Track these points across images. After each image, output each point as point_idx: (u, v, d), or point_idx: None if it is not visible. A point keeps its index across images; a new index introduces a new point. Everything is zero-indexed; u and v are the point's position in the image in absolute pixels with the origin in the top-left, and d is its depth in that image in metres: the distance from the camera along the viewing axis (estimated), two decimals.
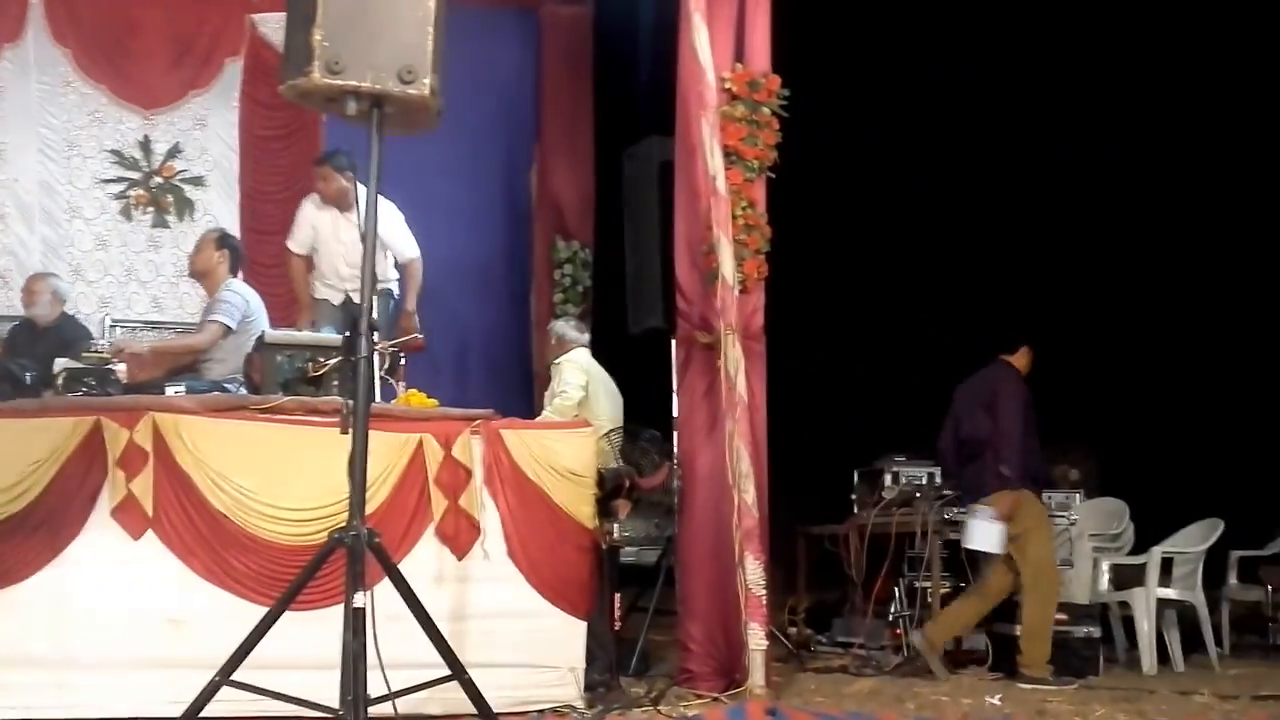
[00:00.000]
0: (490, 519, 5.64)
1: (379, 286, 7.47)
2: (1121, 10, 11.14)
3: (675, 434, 6.69)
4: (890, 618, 8.11)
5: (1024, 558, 7.16)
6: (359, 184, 7.44)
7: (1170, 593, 7.89)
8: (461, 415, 5.78)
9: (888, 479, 8.50)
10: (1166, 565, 7.95)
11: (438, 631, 3.99)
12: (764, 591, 6.07)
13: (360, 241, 4.18)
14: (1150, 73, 11.68)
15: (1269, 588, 8.54)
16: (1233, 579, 8.73)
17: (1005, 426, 7.19)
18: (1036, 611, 7.09)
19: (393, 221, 7.57)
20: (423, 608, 3.99)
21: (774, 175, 6.55)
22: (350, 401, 4.03)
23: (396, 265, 7.84)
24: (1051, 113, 13.15)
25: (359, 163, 7.47)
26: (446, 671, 4.09)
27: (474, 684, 4.07)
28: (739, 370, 6.21)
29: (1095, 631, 7.52)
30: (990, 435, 7.25)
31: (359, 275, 7.26)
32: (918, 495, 8.02)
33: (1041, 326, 13.53)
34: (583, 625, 5.76)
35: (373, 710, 3.81)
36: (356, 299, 7.41)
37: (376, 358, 6.17)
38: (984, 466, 7.29)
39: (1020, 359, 7.55)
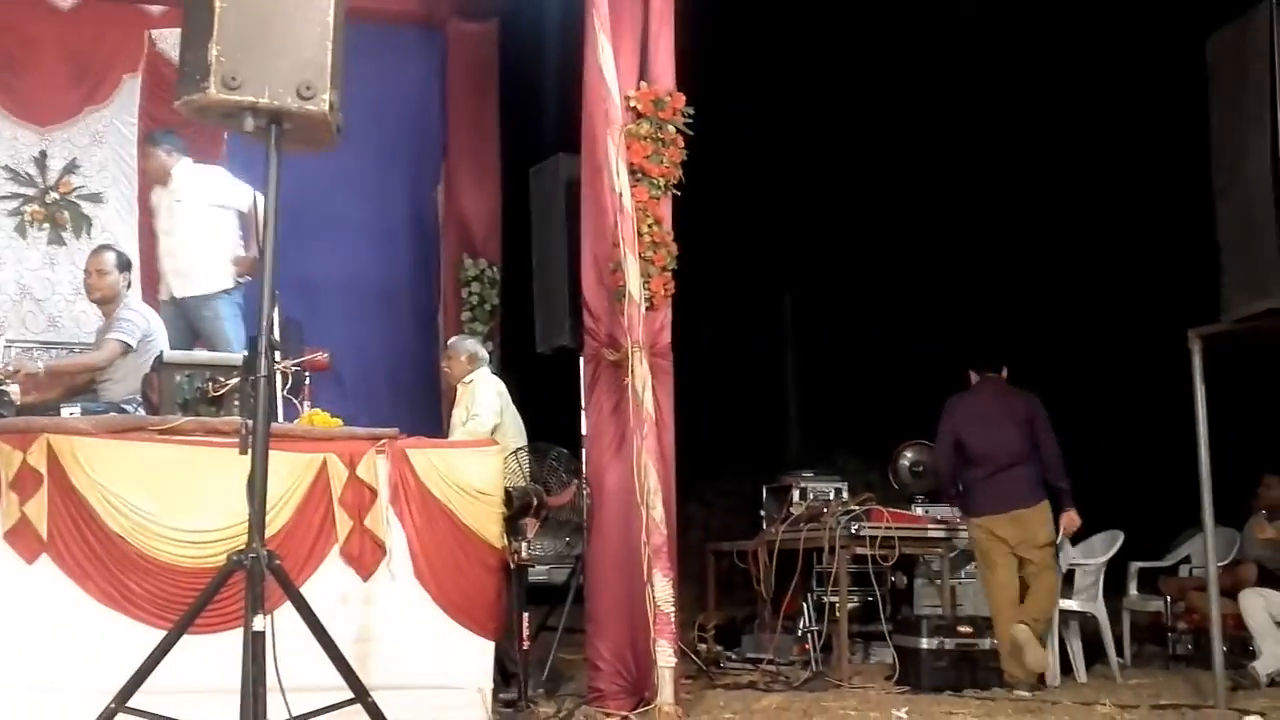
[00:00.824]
0: (396, 539, 5.59)
1: (214, 290, 7.35)
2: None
3: (584, 452, 6.68)
4: (799, 633, 8.17)
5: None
6: (181, 156, 7.47)
7: (1073, 604, 8.03)
8: (366, 434, 5.73)
9: (796, 495, 8.57)
10: (1069, 577, 8.08)
11: (340, 654, 3.94)
12: (673, 608, 6.07)
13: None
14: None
15: (1168, 598, 8.70)
16: (1133, 590, 8.90)
17: (1054, 442, 7.58)
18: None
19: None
20: (324, 630, 3.93)
21: (680, 192, 6.59)
22: (249, 421, 3.97)
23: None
24: (963, 127, 13.37)
25: (183, 144, 7.54)
26: (350, 695, 4.03)
27: (377, 707, 4.03)
28: (646, 387, 6.23)
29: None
30: (1028, 450, 7.54)
31: (178, 272, 7.30)
32: (825, 510, 8.08)
33: (948, 343, 13.80)
34: (491, 645, 5.74)
35: None
36: (178, 295, 7.39)
37: (278, 377, 6.13)
38: (1021, 477, 7.51)
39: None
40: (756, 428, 16.15)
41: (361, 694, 3.99)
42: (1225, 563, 8.28)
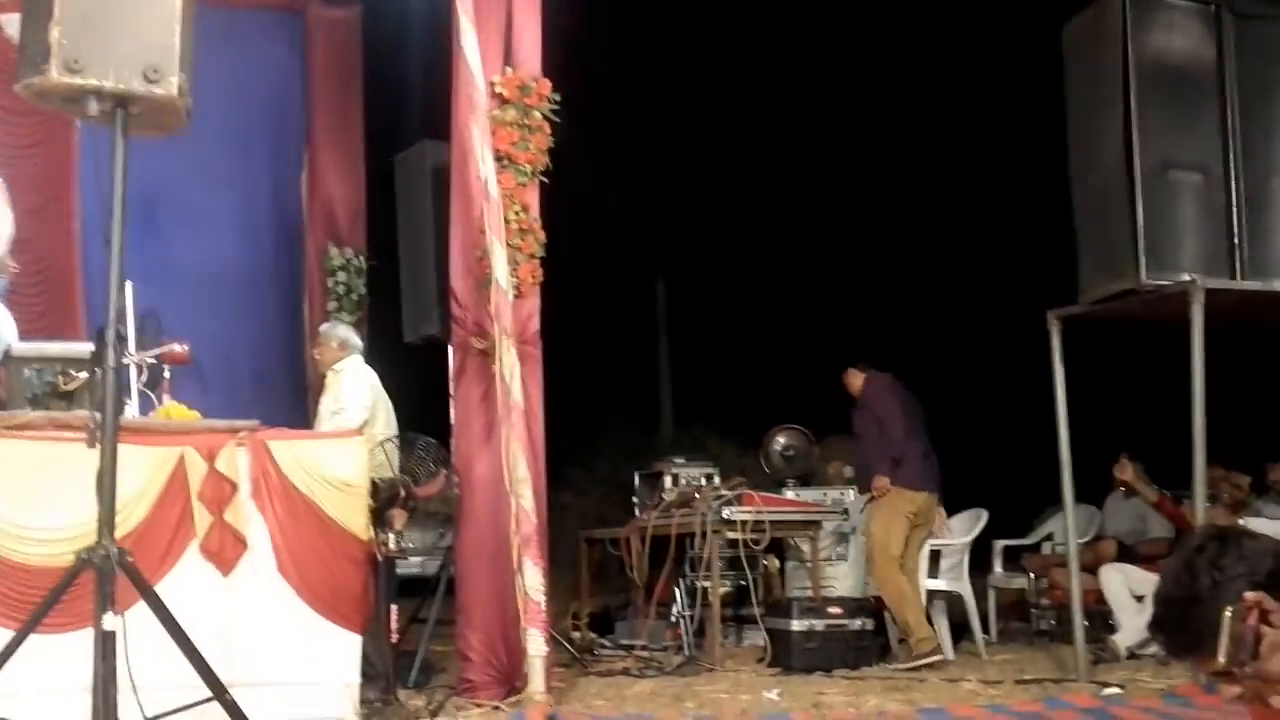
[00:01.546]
0: (258, 533, 5.47)
1: None
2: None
3: (452, 441, 6.62)
4: (672, 618, 8.20)
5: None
6: None
7: (939, 583, 8.16)
8: (225, 427, 5.59)
9: (668, 481, 8.59)
10: (935, 556, 8.23)
11: (195, 650, 3.83)
12: (543, 597, 6.05)
13: None
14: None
15: (1031, 575, 8.90)
16: (998, 568, 9.08)
17: None
18: None
19: None
20: (179, 627, 3.83)
21: (548, 179, 6.55)
22: (98, 415, 3.84)
23: None
24: (829, 116, 13.51)
25: None
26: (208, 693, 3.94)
27: (236, 704, 3.93)
28: (514, 376, 6.19)
29: (869, 624, 7.71)
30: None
31: None
32: (697, 496, 8.11)
33: (807, 326, 13.96)
34: (357, 639, 5.62)
35: None
36: None
37: (134, 370, 5.98)
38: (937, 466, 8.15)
39: None
40: (631, 415, 16.18)
41: (219, 691, 3.89)
42: (1086, 539, 8.50)
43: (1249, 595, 2.08)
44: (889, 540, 7.81)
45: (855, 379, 8.26)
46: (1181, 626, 2.25)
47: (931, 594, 8.08)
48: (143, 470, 5.21)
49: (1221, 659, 2.06)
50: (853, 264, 14.24)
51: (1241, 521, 7.09)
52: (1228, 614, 2.05)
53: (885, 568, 7.77)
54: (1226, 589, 2.18)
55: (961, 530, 8.43)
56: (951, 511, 8.36)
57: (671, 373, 18.11)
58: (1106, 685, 6.36)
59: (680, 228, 15.81)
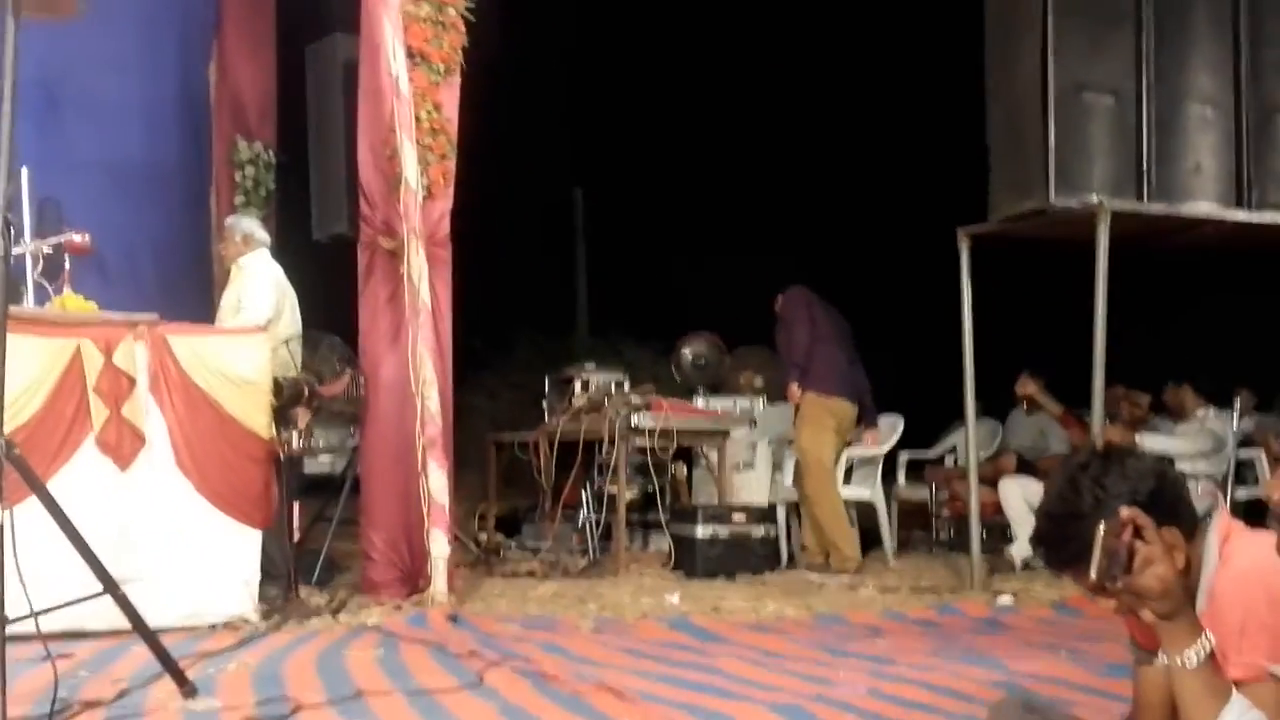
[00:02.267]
0: (156, 428, 5.41)
1: None
2: None
3: (359, 341, 6.55)
4: (578, 522, 8.23)
5: None
6: None
7: (852, 491, 8.23)
8: (123, 320, 5.49)
9: (578, 386, 8.57)
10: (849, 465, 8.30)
11: (85, 544, 3.78)
12: (447, 499, 6.07)
13: None
14: None
15: (933, 487, 9.04)
16: (902, 479, 9.21)
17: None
18: None
19: None
20: (69, 521, 3.77)
21: (462, 78, 6.43)
22: None
23: None
24: (746, 25, 13.40)
25: None
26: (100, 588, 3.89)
27: (127, 599, 3.90)
28: (423, 277, 6.14)
29: (772, 531, 7.81)
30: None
31: None
32: (606, 402, 8.10)
33: (723, 236, 13.96)
34: (258, 536, 5.62)
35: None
36: None
37: (29, 259, 5.83)
38: (861, 377, 8.22)
39: None
40: (547, 321, 16.13)
41: (110, 586, 3.86)
42: (988, 454, 8.65)
43: (1123, 511, 2.12)
44: (821, 452, 7.85)
45: (777, 302, 8.27)
46: (1063, 542, 2.29)
47: (845, 502, 8.15)
48: (37, 362, 5.11)
49: (1093, 574, 2.09)
50: (769, 175, 14.22)
51: (1138, 438, 7.25)
52: (1101, 529, 2.08)
53: (821, 480, 7.81)
54: (1108, 506, 2.21)
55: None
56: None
57: (588, 279, 18.04)
58: (1000, 594, 6.50)
59: (599, 136, 15.68)
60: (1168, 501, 2.31)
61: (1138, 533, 2.09)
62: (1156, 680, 2.26)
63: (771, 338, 8.46)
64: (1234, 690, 2.09)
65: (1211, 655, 2.08)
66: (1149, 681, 2.34)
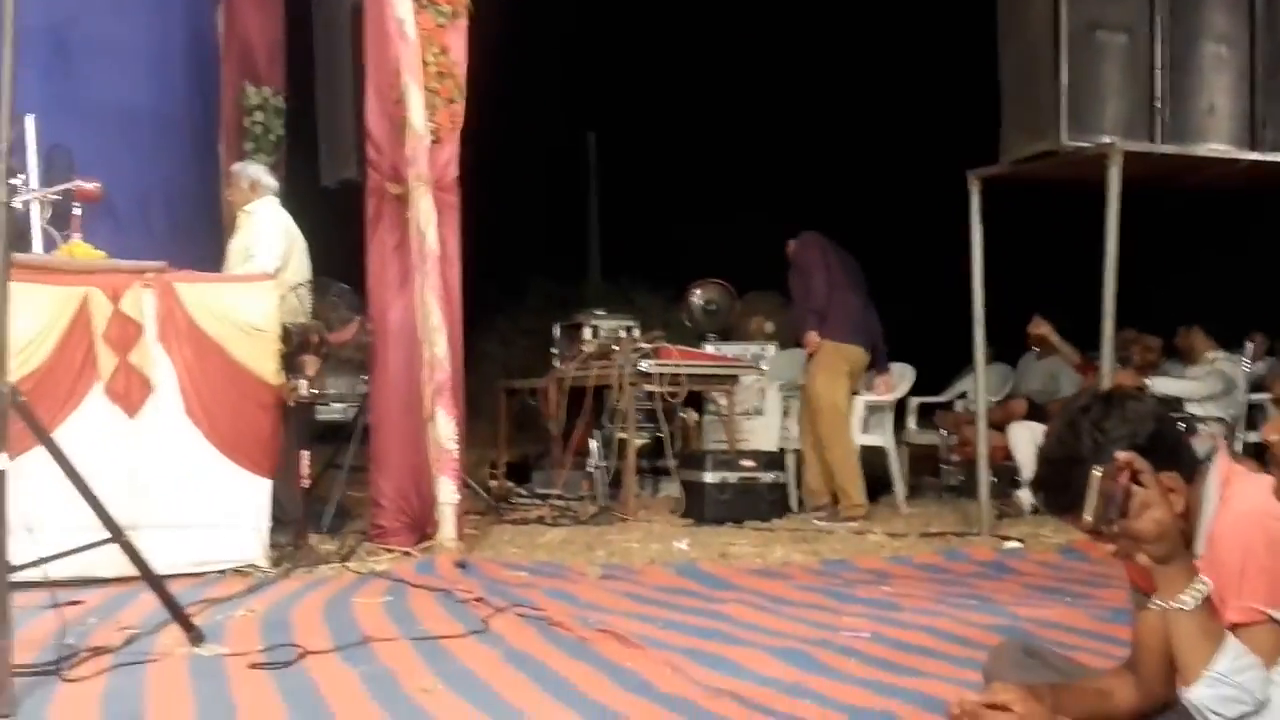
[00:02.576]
0: (165, 376, 5.42)
1: None
2: None
3: (368, 288, 6.53)
4: (589, 468, 8.24)
5: None
6: None
7: (866, 439, 8.21)
8: (132, 268, 5.49)
9: (587, 333, 8.56)
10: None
11: (90, 492, 3.79)
12: (455, 446, 6.05)
13: None
14: None
15: (944, 432, 9.02)
16: (912, 424, 9.19)
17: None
18: None
19: None
20: (73, 468, 3.77)
21: (472, 21, 6.36)
22: None
23: None
24: None
25: None
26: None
27: (133, 545, 3.91)
28: (430, 223, 6.11)
29: (781, 478, 7.80)
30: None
31: None
32: (615, 348, 8.09)
33: (735, 182, 13.90)
34: (267, 483, 5.63)
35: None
36: None
37: (36, 206, 5.82)
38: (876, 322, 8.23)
39: None
40: (559, 267, 16.13)
41: (116, 533, 3.87)
42: (999, 398, 8.62)
43: (1120, 455, 2.10)
44: (836, 397, 7.84)
45: (790, 246, 8.22)
46: (1063, 486, 2.27)
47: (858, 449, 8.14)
48: (44, 310, 5.13)
49: (1088, 516, 2.08)
50: (781, 120, 14.14)
51: (1148, 382, 7.21)
52: (1097, 473, 2.06)
53: (836, 425, 7.81)
54: (1107, 450, 2.20)
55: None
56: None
57: (601, 225, 18.00)
58: (1008, 539, 6.50)
59: (612, 81, 15.60)
60: (1168, 445, 2.29)
61: (1135, 477, 2.07)
62: (1155, 624, 2.25)
63: (783, 283, 8.41)
64: (1229, 634, 2.07)
65: (1207, 599, 2.07)
66: (1147, 626, 2.33)
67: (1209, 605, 2.09)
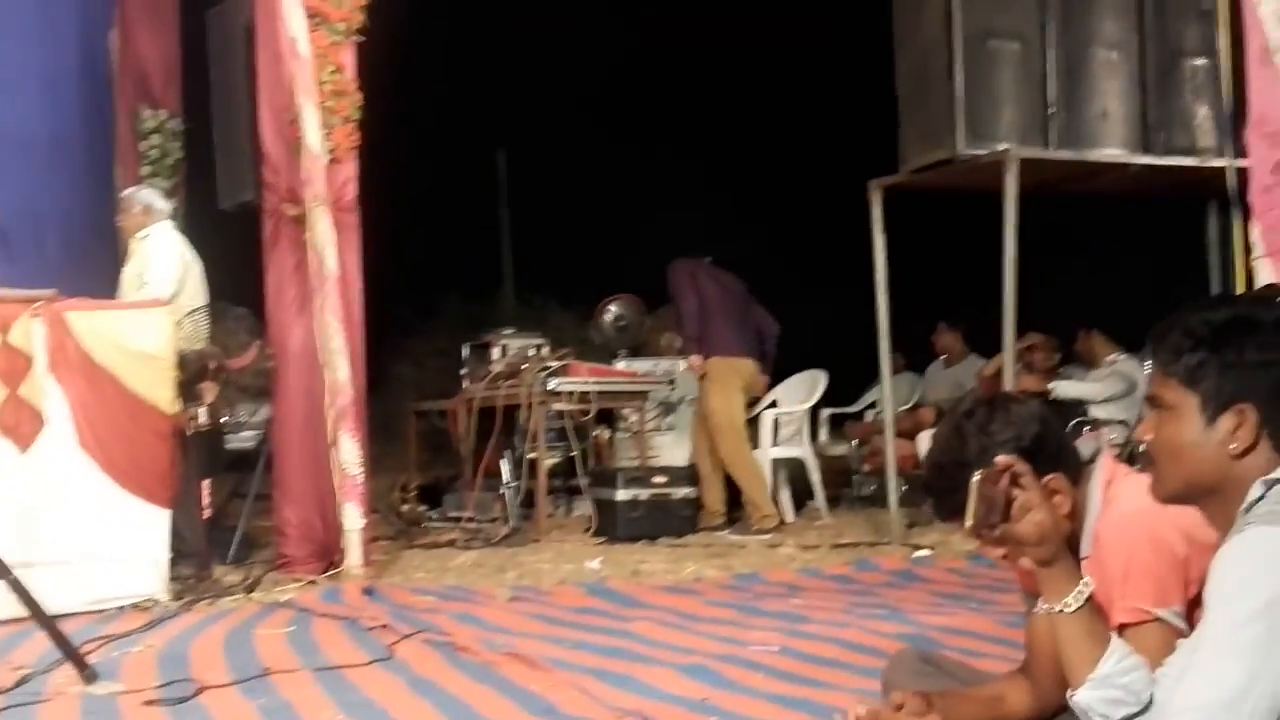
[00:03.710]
0: (57, 407, 5.30)
1: None
2: None
3: (267, 312, 6.44)
4: (500, 490, 8.17)
5: None
6: None
7: (781, 450, 8.23)
8: (20, 297, 5.36)
9: (496, 352, 8.51)
10: (774, 423, 8.31)
11: None
12: (360, 471, 5.98)
13: None
14: None
15: (854, 442, 9.07)
16: (824, 435, 9.23)
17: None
18: None
19: None
20: None
21: (365, 38, 6.31)
22: None
23: None
24: None
25: None
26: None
27: (20, 583, 3.82)
28: (328, 244, 6.03)
29: (692, 493, 7.78)
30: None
31: None
32: (524, 367, 8.04)
33: (645, 197, 13.93)
34: (165, 515, 5.52)
35: None
36: None
37: None
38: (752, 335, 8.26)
39: None
40: (472, 287, 16.04)
41: (3, 570, 3.76)
42: (907, 406, 8.69)
43: (999, 459, 2.10)
44: (733, 412, 7.87)
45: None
46: (950, 490, 2.28)
47: (774, 462, 8.15)
48: None
49: (969, 521, 2.08)
50: (689, 133, 14.20)
51: (1050, 385, 7.31)
52: (976, 477, 2.06)
53: (734, 442, 7.82)
54: (992, 453, 2.21)
55: (799, 395, 8.48)
56: (787, 375, 8.46)
57: (513, 243, 17.96)
58: (918, 548, 6.53)
59: (521, 98, 15.57)
60: (1052, 447, 2.31)
61: (1015, 480, 2.08)
62: (1044, 628, 2.26)
63: None
64: (1114, 636, 2.08)
65: (1091, 600, 2.08)
66: (1037, 629, 2.35)
67: (1094, 607, 2.09)
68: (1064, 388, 7.37)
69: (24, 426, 5.22)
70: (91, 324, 5.39)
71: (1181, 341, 1.89)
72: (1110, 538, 2.25)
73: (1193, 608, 2.14)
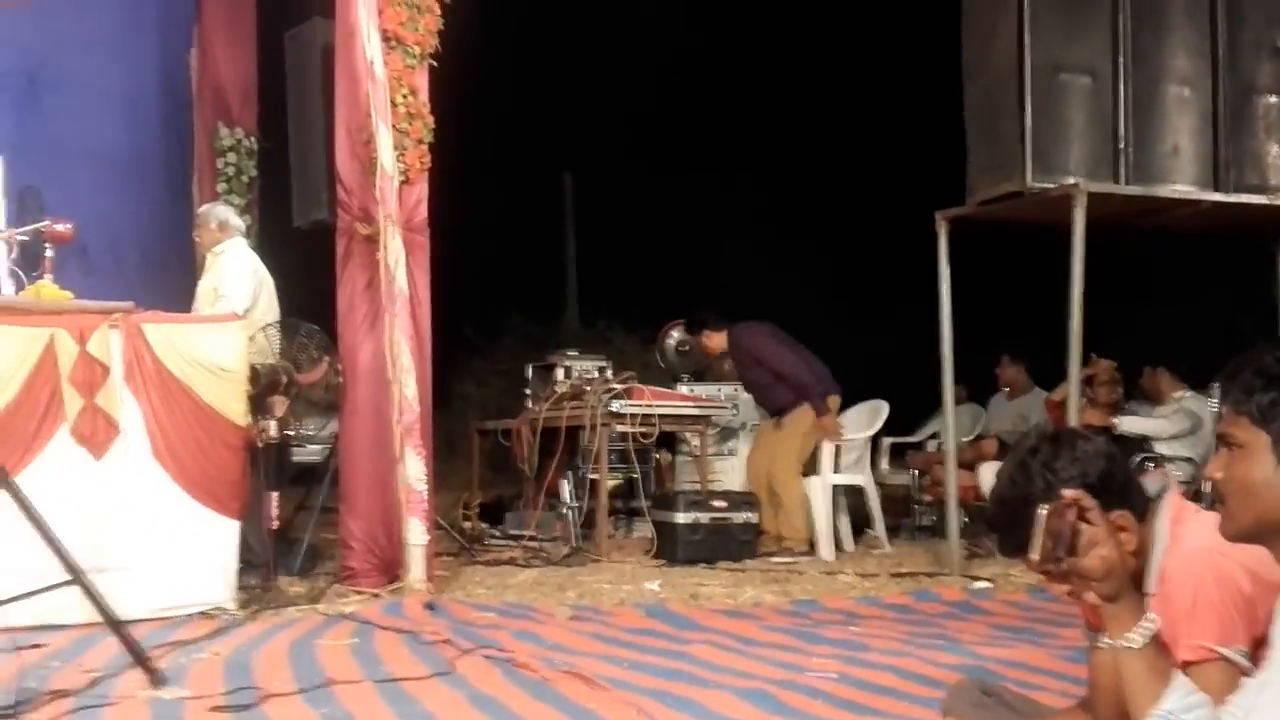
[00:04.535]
0: (131, 417, 5.37)
1: None
2: None
3: (338, 329, 6.52)
4: (562, 509, 8.21)
5: None
6: None
7: (843, 478, 8.19)
8: (98, 309, 5.45)
9: (560, 373, 8.56)
10: (837, 451, 8.27)
11: (50, 534, 3.76)
12: (424, 486, 6.04)
13: None
14: None
15: (915, 472, 9.02)
16: (885, 464, 9.19)
17: None
18: None
19: None
20: (32, 510, 3.75)
21: (437, 62, 6.40)
22: None
23: None
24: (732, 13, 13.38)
25: None
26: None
27: (92, 588, 3.89)
28: (399, 263, 6.11)
29: (753, 518, 7.76)
30: None
31: None
32: (588, 389, 8.09)
33: (710, 222, 13.95)
34: (235, 525, 5.59)
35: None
36: None
37: (3, 246, 5.80)
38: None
39: None
40: (537, 308, 16.15)
41: (75, 575, 3.84)
42: (969, 438, 8.64)
43: (1066, 492, 2.10)
44: (803, 449, 7.94)
45: (714, 339, 8.26)
46: (1014, 526, 2.27)
47: (835, 489, 8.11)
48: (10, 351, 5.09)
49: (1034, 555, 2.07)
50: (756, 161, 14.23)
51: (1116, 421, 7.24)
52: (1043, 511, 2.06)
53: (792, 470, 7.88)
54: (1057, 489, 2.19)
55: (861, 423, 8.44)
56: (849, 405, 8.43)
57: (578, 266, 18.07)
58: (977, 580, 6.49)
59: (589, 121, 15.67)
60: (1118, 483, 2.29)
61: (1082, 514, 2.07)
62: (1107, 663, 2.23)
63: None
64: (1178, 672, 2.07)
65: (1156, 637, 2.07)
66: (1100, 664, 2.33)
67: (1158, 643, 2.08)
68: (1130, 423, 7.30)
69: (99, 435, 5.30)
70: (167, 336, 5.48)
71: (1254, 380, 1.88)
72: (1176, 574, 2.23)
73: (1258, 647, 2.12)
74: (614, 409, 7.81)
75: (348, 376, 6.31)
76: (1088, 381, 7.26)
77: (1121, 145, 6.24)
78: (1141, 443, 7.27)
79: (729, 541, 7.57)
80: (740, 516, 7.65)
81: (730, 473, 8.55)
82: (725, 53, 13.92)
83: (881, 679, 3.95)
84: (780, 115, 13.78)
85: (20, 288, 5.77)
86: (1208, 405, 7.73)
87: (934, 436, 9.29)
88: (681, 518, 7.52)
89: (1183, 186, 6.39)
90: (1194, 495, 6.57)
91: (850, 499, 8.36)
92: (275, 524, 6.10)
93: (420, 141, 6.32)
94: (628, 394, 7.92)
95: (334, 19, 6.50)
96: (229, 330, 5.71)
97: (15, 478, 3.91)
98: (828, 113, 13.16)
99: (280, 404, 6.08)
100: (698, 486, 8.21)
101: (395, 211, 6.11)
